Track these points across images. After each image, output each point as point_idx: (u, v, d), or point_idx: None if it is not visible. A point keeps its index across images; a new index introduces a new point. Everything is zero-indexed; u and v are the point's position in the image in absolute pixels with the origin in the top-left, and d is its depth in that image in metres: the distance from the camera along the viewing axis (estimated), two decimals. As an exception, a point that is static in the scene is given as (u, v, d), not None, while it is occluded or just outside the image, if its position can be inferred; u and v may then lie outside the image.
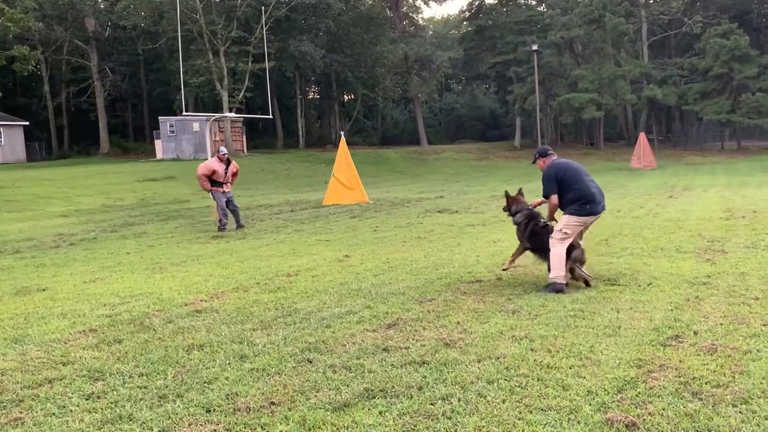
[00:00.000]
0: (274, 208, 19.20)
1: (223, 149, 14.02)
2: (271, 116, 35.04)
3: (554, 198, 7.01)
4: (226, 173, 13.95)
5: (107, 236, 13.57)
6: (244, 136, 48.32)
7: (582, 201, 6.92)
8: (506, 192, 7.77)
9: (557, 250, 6.89)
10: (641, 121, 55.61)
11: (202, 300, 6.83)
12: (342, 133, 22.45)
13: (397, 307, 6.23)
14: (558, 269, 6.82)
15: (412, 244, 10.77)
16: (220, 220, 13.94)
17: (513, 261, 7.43)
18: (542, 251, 7.09)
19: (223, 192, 13.96)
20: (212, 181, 13.91)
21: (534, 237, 7.17)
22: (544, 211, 7.45)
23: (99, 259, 10.29)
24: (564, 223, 6.97)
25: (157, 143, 44.84)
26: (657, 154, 43.16)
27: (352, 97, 64.16)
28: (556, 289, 6.68)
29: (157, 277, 8.37)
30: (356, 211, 17.37)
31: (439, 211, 16.46)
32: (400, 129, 65.37)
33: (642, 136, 39.35)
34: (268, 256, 10.00)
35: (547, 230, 7.11)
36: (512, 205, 7.52)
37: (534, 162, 7.38)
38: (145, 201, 22.71)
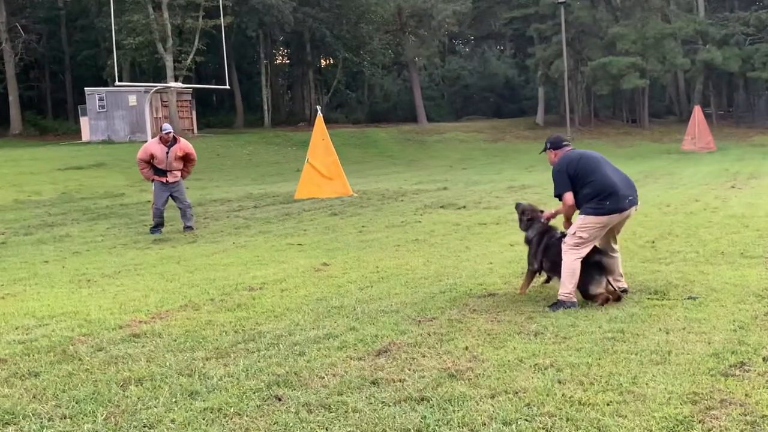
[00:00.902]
0: (232, 203, 19.18)
1: (167, 126, 13.78)
2: (228, 87, 35.03)
3: (568, 197, 6.97)
4: (167, 156, 13.58)
5: (20, 240, 13.49)
6: (194, 112, 48.23)
7: (600, 196, 6.91)
8: (517, 204, 7.96)
9: (569, 259, 6.91)
10: (696, 92, 55.94)
11: (140, 321, 6.80)
12: (319, 107, 22.41)
13: (389, 329, 6.23)
14: (569, 284, 6.85)
15: (407, 249, 10.78)
16: (154, 222, 13.83)
17: (527, 286, 7.55)
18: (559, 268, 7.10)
19: (166, 183, 13.67)
20: (156, 169, 13.72)
21: (548, 252, 7.29)
22: (560, 223, 7.47)
23: (9, 270, 10.23)
24: (578, 225, 6.96)
25: (83, 121, 44.66)
26: (716, 133, 43.46)
27: (331, 62, 64.11)
28: (565, 308, 6.71)
29: (83, 293, 8.33)
30: (337, 206, 17.36)
31: (441, 207, 16.48)
32: (392, 102, 65.40)
33: (697, 111, 39.60)
34: (225, 264, 9.97)
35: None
36: (525, 217, 7.65)
37: (543, 152, 7.42)
38: (67, 195, 22.60)
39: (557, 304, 6.81)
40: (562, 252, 6.98)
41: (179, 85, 34.66)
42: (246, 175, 30.31)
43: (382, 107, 64.49)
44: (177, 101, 44.55)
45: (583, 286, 6.97)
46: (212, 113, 58.43)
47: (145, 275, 9.36)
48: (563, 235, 7.19)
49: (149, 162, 13.67)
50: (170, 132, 13.68)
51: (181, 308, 7.33)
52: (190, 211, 14.00)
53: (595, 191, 6.93)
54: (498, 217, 14.21)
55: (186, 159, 13.87)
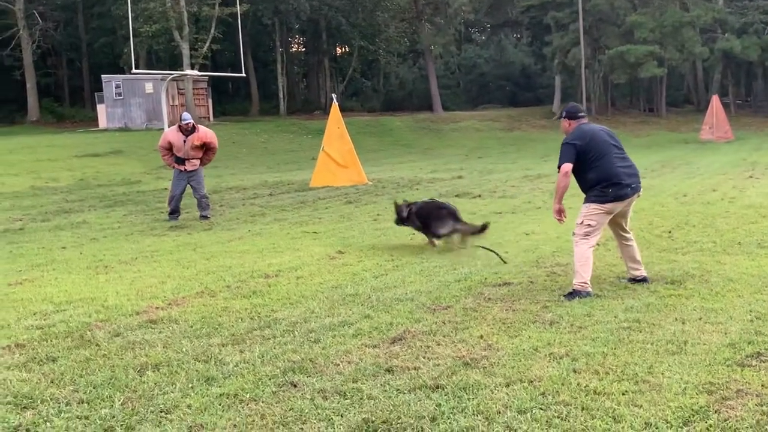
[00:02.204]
0: (248, 191, 19.23)
1: (186, 116, 13.74)
2: (244, 75, 35.05)
3: (566, 167, 6.90)
4: (184, 144, 13.54)
5: (37, 227, 13.59)
6: (210, 100, 48.31)
7: (603, 184, 6.94)
8: (395, 202, 9.97)
9: (581, 248, 6.94)
10: (714, 81, 55.48)
11: (157, 307, 6.85)
12: (334, 96, 22.41)
13: (403, 317, 6.25)
14: (584, 273, 6.85)
15: (422, 237, 10.78)
16: (170, 208, 13.85)
17: (432, 243, 9.77)
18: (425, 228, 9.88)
19: (185, 171, 13.67)
20: (176, 156, 13.71)
21: (418, 217, 9.83)
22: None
23: (27, 256, 10.31)
24: (584, 214, 7.01)
25: (100, 109, 44.81)
26: (734, 122, 43.11)
27: (347, 50, 64.07)
28: (580, 297, 6.70)
29: (100, 279, 8.38)
30: (352, 195, 17.37)
31: (456, 196, 16.46)
32: (407, 91, 65.24)
33: (715, 100, 39.27)
34: (241, 252, 10.01)
35: (432, 206, 10.00)
36: (402, 212, 10.07)
37: (559, 118, 7.37)
38: (85, 182, 22.73)
39: (572, 294, 6.80)
40: (574, 243, 6.99)
41: (195, 73, 34.67)
42: (261, 162, 30.37)
43: (398, 96, 64.37)
44: (193, 89, 44.64)
45: (435, 228, 9.74)
46: (228, 101, 58.51)
47: (162, 262, 9.41)
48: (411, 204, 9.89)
49: (169, 149, 13.70)
50: (189, 122, 13.63)
51: (197, 295, 7.37)
52: (206, 201, 13.98)
53: (599, 178, 6.94)
54: (513, 206, 14.18)
55: (205, 149, 13.80)
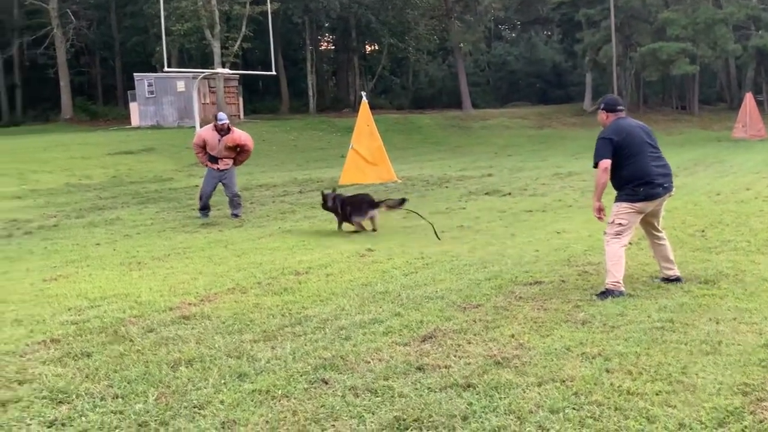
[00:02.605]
0: (278, 188, 19.32)
1: (223, 117, 13.77)
2: (274, 72, 35.09)
3: (604, 163, 6.80)
4: (218, 145, 13.63)
5: (71, 223, 13.77)
6: (241, 98, 48.55)
7: (635, 183, 6.85)
8: (322, 191, 11.68)
9: (612, 247, 6.88)
10: (747, 79, 54.73)
11: (190, 304, 6.90)
12: (363, 93, 22.44)
13: (434, 315, 6.24)
14: (616, 273, 6.77)
15: (452, 235, 10.77)
16: (200, 205, 13.92)
17: (355, 225, 11.47)
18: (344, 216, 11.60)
19: (218, 170, 13.73)
20: (210, 155, 13.76)
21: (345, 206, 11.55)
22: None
23: (62, 252, 10.45)
24: (615, 213, 6.93)
25: (133, 107, 45.26)
26: (767, 120, 42.50)
27: (376, 48, 64.08)
28: (613, 297, 6.63)
29: (134, 275, 8.47)
30: (381, 192, 17.38)
31: (486, 193, 16.41)
32: (436, 88, 65.18)
33: (748, 98, 38.73)
34: (272, 249, 10.06)
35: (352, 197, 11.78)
36: (327, 201, 11.72)
37: (596, 110, 7.27)
38: (118, 179, 22.99)
39: (605, 293, 6.74)
40: (605, 243, 6.94)
41: (226, 71, 34.74)
42: (291, 160, 30.49)
43: (427, 93, 64.33)
44: (224, 87, 44.91)
45: (353, 215, 11.45)
46: (258, 99, 58.82)
47: (194, 258, 9.49)
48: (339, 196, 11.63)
49: (203, 147, 13.75)
50: (225, 122, 13.67)
51: (229, 291, 7.42)
52: (237, 200, 14.01)
53: (632, 176, 6.84)
54: (544, 204, 14.10)
55: (239, 150, 13.86)
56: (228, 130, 13.70)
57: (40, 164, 25.98)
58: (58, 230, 12.88)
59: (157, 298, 7.19)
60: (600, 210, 7.05)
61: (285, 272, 8.30)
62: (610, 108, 7.13)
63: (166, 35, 32.90)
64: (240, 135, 13.84)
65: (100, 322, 6.35)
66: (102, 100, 58.15)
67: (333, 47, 66.68)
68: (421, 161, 28.87)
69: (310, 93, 54.70)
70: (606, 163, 6.83)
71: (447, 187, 18.44)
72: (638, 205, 6.89)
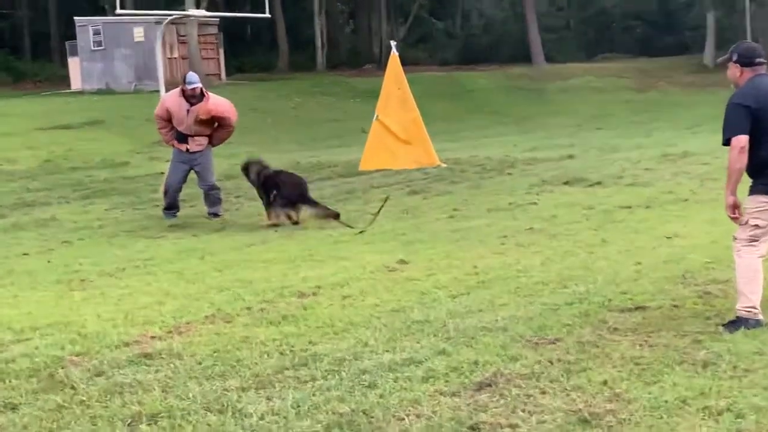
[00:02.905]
0: (274, 176, 19.35)
1: (193, 78, 13.66)
2: (268, 15, 35.04)
3: (740, 140, 6.67)
4: (187, 118, 13.49)
5: (-11, 225, 13.89)
6: (222, 51, 48.76)
7: None
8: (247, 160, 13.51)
9: (745, 259, 6.84)
10: None
11: (153, 337, 6.94)
12: (393, 43, 22.34)
13: (493, 354, 6.22)
14: (749, 293, 6.73)
15: (518, 242, 10.73)
16: (165, 202, 14.00)
17: (271, 219, 12.85)
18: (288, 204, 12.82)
19: (187, 152, 13.70)
20: (178, 132, 13.72)
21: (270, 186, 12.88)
22: None
23: (-24, 266, 10.54)
24: (749, 210, 6.87)
25: (73, 64, 45.57)
26: None
27: (411, -22, 64.00)
28: (747, 327, 6.57)
29: (76, 297, 8.52)
30: (418, 182, 17.37)
31: (566, 183, 16.34)
32: (495, 36, 65.00)
33: None
34: (266, 261, 10.08)
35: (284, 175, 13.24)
36: (250, 172, 13.18)
37: (725, 63, 7.08)
38: (52, 164, 23.11)
39: (735, 323, 6.68)
40: (734, 252, 6.89)
41: (202, 13, 34.92)
42: (291, 137, 30.54)
43: (482, 42, 64.14)
44: (199, 36, 45.10)
45: (274, 201, 12.86)
46: (246, 52, 58.88)
47: (159, 274, 9.53)
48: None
49: (169, 120, 13.68)
50: (196, 86, 13.49)
51: (207, 320, 7.44)
52: (216, 194, 14.04)
53: (766, 159, 6.75)
54: (648, 198, 14.01)
55: (215, 123, 13.80)
56: (201, 97, 13.55)
57: (-54, 144, 26.19)
58: (-29, 235, 13.01)
59: (108, 328, 7.22)
60: (735, 206, 6.91)
61: (284, 294, 8.31)
62: (746, 60, 6.93)
63: (118, -36, 33.11)
64: (218, 103, 13.82)
65: (29, 362, 6.39)
66: (30, 54, 58.49)
67: (350, -22, 66.82)
68: (474, 138, 28.80)
69: (318, 43, 54.83)
70: (742, 140, 6.68)
71: (510, 174, 18.38)
72: None
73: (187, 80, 13.58)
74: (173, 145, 13.90)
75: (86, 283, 9.22)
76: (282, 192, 12.86)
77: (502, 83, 46.46)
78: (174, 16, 34.05)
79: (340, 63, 56.81)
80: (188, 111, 13.49)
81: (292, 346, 6.60)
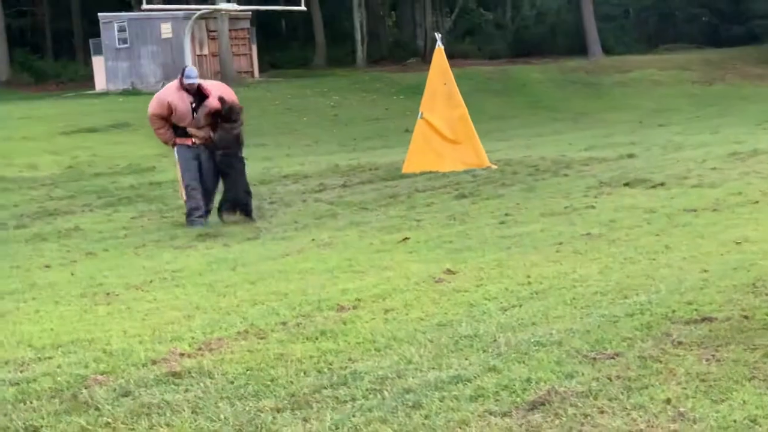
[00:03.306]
0: (310, 180, 19.42)
1: (191, 72, 13.91)
2: (304, 8, 35.33)
3: None
4: (194, 113, 13.76)
5: (9, 236, 14.05)
6: (255, 47, 48.97)
7: None
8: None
9: None
10: None
11: (182, 354, 6.96)
12: (438, 36, 22.36)
13: (547, 370, 6.19)
14: None
15: (574, 249, 10.68)
16: (187, 206, 14.12)
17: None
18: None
19: (194, 146, 13.98)
20: (175, 127, 13.94)
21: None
22: None
23: (-5, 279, 10.66)
24: None
25: (97, 62, 45.97)
26: None
27: (457, -34, 63.98)
28: None
29: (100, 312, 8.58)
30: (466, 184, 17.34)
31: (626, 184, 16.24)
32: (548, 26, 64.81)
33: None
34: (302, 272, 10.10)
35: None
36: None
37: None
38: (76, 170, 23.32)
39: None
40: None
41: (233, 6, 35.04)
42: (330, 138, 30.63)
43: (534, 34, 63.98)
44: (230, 31, 45.31)
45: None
46: (281, 48, 59.15)
47: (188, 287, 9.58)
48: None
49: (167, 118, 13.85)
50: (194, 82, 13.81)
51: (239, 335, 7.46)
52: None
53: None
54: (715, 200, 13.91)
55: (225, 116, 14.03)
56: (200, 93, 13.87)
57: (-36, 149, 26.50)
58: (-10, 246, 13.15)
59: (134, 345, 7.27)
60: None
61: (322, 307, 8.31)
62: None
63: (143, -45, 33.40)
64: (219, 88, 14.28)
65: (51, 381, 6.44)
66: (52, 52, 59.02)
67: (391, -32, 66.90)
68: (526, 136, 28.75)
69: (358, 37, 54.91)
70: None
71: (566, 175, 18.30)
72: None
73: (186, 74, 13.85)
74: (174, 144, 14.15)
75: (111, 296, 9.28)
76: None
77: (557, 77, 46.33)
78: (203, 11, 34.47)
79: (381, 58, 56.91)
80: (194, 107, 13.76)
81: (331, 364, 6.60)
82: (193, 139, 13.92)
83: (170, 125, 13.90)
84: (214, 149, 13.97)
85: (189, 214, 14.07)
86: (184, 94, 13.72)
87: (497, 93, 41.30)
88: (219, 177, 14.31)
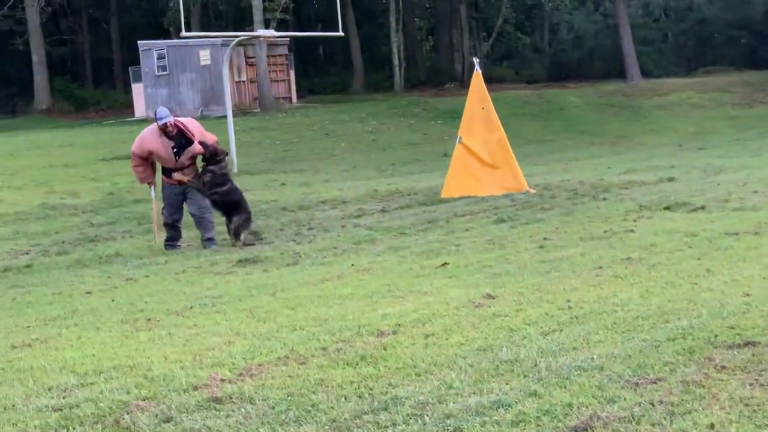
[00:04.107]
0: (349, 205, 19.44)
1: (164, 113, 14.08)
2: (341, 33, 35.42)
3: None
4: (177, 156, 14.06)
5: (50, 262, 14.15)
6: (293, 73, 49.18)
7: None
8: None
9: None
10: None
11: (223, 380, 6.98)
12: (476, 60, 22.34)
13: (589, 395, 6.16)
14: None
15: (614, 273, 10.63)
16: (167, 235, 14.72)
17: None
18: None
19: (176, 184, 14.38)
20: (163, 168, 14.41)
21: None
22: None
23: (37, 305, 10.74)
24: None
25: (137, 90, 46.37)
26: None
27: (494, -9, 64.03)
28: None
29: (141, 338, 8.62)
30: (505, 209, 17.31)
31: (666, 208, 16.16)
32: (586, 50, 64.73)
33: None
34: (342, 297, 10.11)
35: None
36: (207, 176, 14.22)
37: None
38: (116, 197, 23.48)
39: None
40: None
41: (271, 33, 35.27)
42: (368, 163, 30.66)
43: (572, 58, 63.94)
44: (268, 57, 45.52)
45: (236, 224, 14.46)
46: (319, 73, 59.47)
47: (228, 312, 9.61)
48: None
49: (147, 159, 14.28)
50: (166, 120, 13.93)
51: (279, 361, 7.47)
52: (209, 217, 14.66)
53: None
54: (758, 223, 13.80)
55: (207, 158, 14.46)
56: (180, 134, 14.11)
57: (5, 177, 26.75)
58: (32, 272, 13.24)
59: (175, 371, 7.30)
60: None
61: (362, 332, 8.31)
62: None
63: (182, -16, 33.68)
64: (194, 132, 14.29)
65: (94, 407, 6.47)
66: (92, 80, 59.51)
67: (429, -7, 67.02)
68: (565, 160, 28.67)
69: (396, 62, 55.01)
70: None
71: (605, 199, 18.23)
72: None
73: (157, 116, 14.03)
74: (151, 184, 14.79)
75: (152, 322, 9.33)
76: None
77: (595, 101, 46.21)
78: (242, 37, 34.61)
79: (419, 82, 57.01)
80: (176, 151, 14.07)
81: (371, 389, 6.60)
82: (179, 178, 14.28)
83: (150, 164, 14.35)
84: (208, 191, 14.32)
85: (169, 240, 14.71)
86: (165, 140, 13.98)
87: (535, 117, 41.27)
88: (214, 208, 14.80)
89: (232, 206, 14.56)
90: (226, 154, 14.50)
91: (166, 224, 14.60)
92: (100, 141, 34.34)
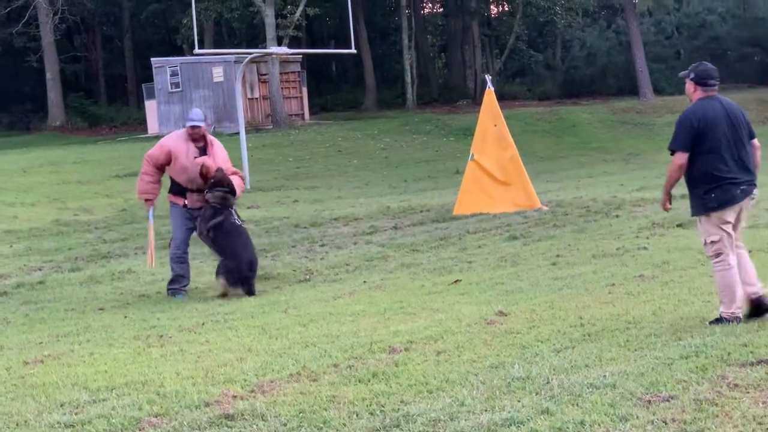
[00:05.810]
0: (361, 222, 19.44)
1: (197, 115, 12.52)
2: (354, 50, 35.51)
3: (679, 158, 8.40)
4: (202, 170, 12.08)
5: (64, 278, 14.17)
6: (306, 90, 49.27)
7: (705, 187, 8.32)
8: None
9: (717, 274, 8.45)
10: None
11: (235, 396, 6.99)
12: (488, 77, 22.37)
13: (601, 413, 6.16)
14: (726, 299, 8.29)
15: (627, 290, 10.62)
16: (173, 273, 12.60)
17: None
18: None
19: (185, 207, 12.51)
20: (174, 184, 12.57)
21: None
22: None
23: (50, 321, 10.78)
24: (701, 232, 8.58)
25: (150, 106, 46.47)
26: None
27: (506, 8, 64.13)
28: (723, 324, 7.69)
29: (153, 354, 8.65)
30: (518, 226, 17.30)
31: (679, 225, 16.11)
32: (598, 67, 64.69)
33: None
34: (354, 314, 10.12)
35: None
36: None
37: (686, 77, 8.82)
38: (129, 213, 23.49)
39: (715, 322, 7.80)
40: (712, 271, 8.63)
41: (284, 50, 35.32)
42: (381, 180, 30.68)
43: (585, 75, 63.91)
44: (281, 74, 45.62)
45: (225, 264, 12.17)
46: (331, 90, 59.64)
47: (240, 329, 9.63)
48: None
49: (161, 168, 12.45)
50: (197, 124, 12.30)
51: (291, 377, 7.49)
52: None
53: (701, 176, 8.34)
54: (771, 241, 13.80)
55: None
56: (203, 150, 12.38)
57: (20, 193, 26.81)
58: (46, 289, 13.29)
59: (187, 387, 7.32)
60: (667, 203, 8.88)
61: (374, 349, 8.33)
62: (701, 80, 8.55)
63: (196, 1, 33.83)
64: (218, 156, 12.48)
65: (106, 423, 6.50)
66: (106, 97, 59.75)
67: (441, 10, 67.15)
68: (577, 177, 28.64)
69: (408, 79, 55.08)
70: (681, 158, 8.35)
71: (618, 216, 18.20)
72: (716, 214, 8.34)
73: (191, 117, 12.49)
74: (147, 201, 12.92)
75: (164, 339, 9.36)
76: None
77: (607, 118, 46.20)
78: (255, 55, 34.66)
79: (431, 99, 57.06)
80: (195, 158, 12.26)
81: (383, 406, 6.61)
82: (186, 202, 12.50)
83: (158, 178, 12.58)
84: (212, 214, 12.29)
85: (172, 283, 12.55)
86: (190, 145, 12.28)
87: (547, 134, 41.26)
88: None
89: (224, 247, 12.50)
90: (228, 191, 12.25)
91: (172, 259, 12.62)
92: (114, 157, 34.41)
